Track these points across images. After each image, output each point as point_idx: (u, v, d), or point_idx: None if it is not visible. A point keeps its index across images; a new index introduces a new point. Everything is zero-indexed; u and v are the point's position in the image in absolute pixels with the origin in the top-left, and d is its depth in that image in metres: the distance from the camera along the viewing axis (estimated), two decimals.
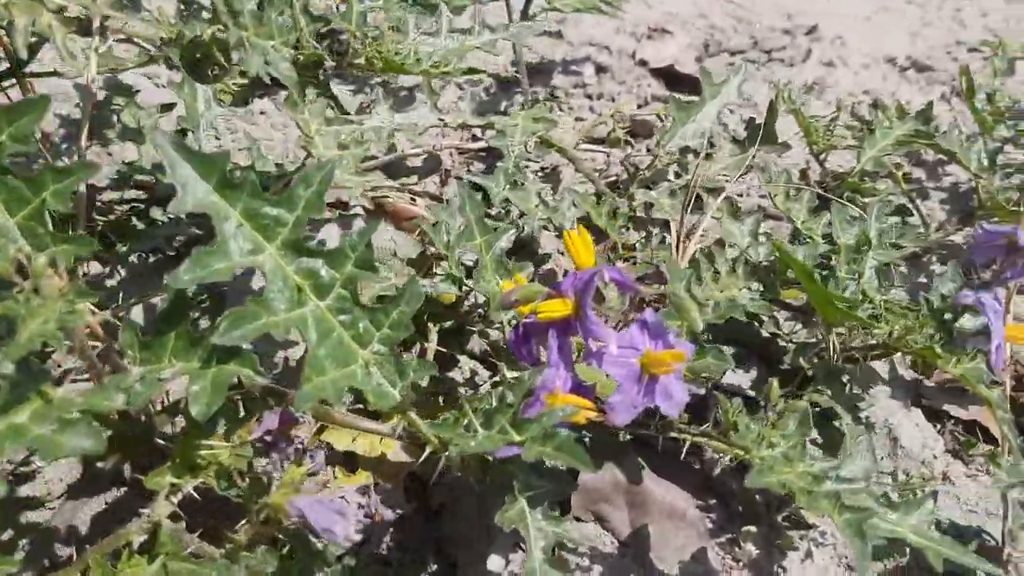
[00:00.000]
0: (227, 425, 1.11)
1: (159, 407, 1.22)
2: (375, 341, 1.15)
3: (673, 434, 1.28)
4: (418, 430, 1.17)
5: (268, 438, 1.07)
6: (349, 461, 1.57)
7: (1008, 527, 1.61)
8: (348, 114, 1.62)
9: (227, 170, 1.05)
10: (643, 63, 2.66)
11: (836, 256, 1.74)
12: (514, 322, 1.22)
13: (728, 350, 1.33)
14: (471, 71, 1.73)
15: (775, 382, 1.22)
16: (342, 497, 1.05)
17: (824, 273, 1.58)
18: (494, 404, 1.10)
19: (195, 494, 1.14)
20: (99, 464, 1.15)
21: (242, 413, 1.18)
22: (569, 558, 1.50)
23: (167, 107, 1.81)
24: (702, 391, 1.27)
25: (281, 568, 1.00)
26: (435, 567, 1.47)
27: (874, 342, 1.40)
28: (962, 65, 2.25)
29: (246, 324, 1.04)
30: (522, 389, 1.07)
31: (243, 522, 0.99)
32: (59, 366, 1.42)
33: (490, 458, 1.44)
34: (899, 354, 1.49)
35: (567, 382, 1.17)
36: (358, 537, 0.95)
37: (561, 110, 2.45)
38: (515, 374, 1.32)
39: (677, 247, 1.59)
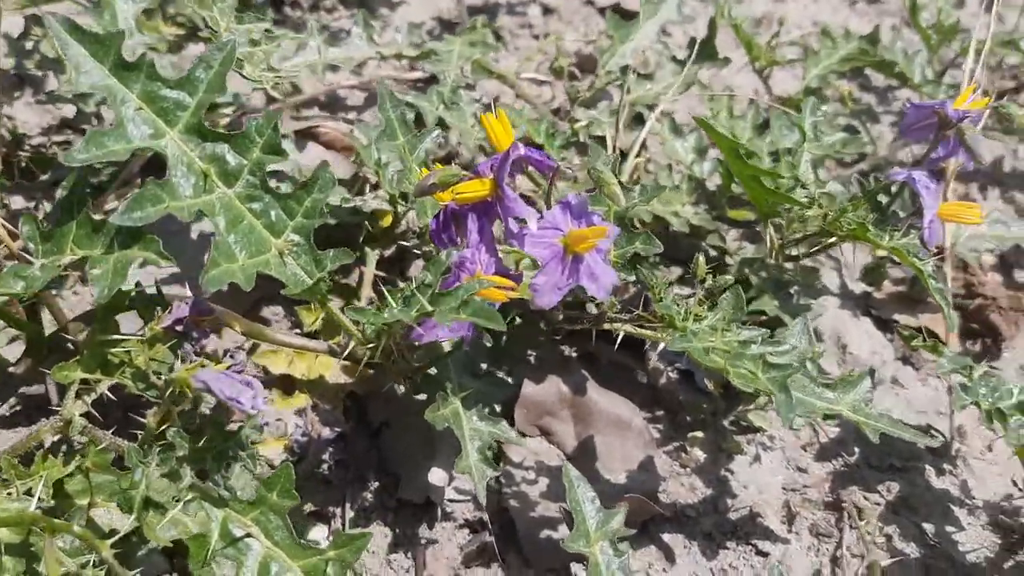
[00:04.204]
0: (140, 315, 1.07)
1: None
2: (289, 230, 1.12)
3: (606, 325, 1.25)
4: (336, 318, 1.15)
5: (179, 328, 1.04)
6: (287, 384, 1.54)
7: (956, 423, 1.60)
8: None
9: (121, 51, 1.02)
10: (590, 2, 2.63)
11: (778, 165, 1.72)
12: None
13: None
14: None
15: (701, 257, 1.19)
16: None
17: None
18: (413, 288, 1.07)
19: (110, 395, 1.11)
20: (11, 368, 1.11)
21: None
22: (515, 472, 1.48)
23: None
24: (632, 278, 1.24)
25: (194, 452, 0.97)
26: (377, 483, 1.44)
27: (811, 232, 1.37)
28: None
29: (148, 206, 1.00)
30: (439, 267, 1.04)
31: (153, 409, 0.96)
32: None
33: (430, 371, 1.42)
34: (840, 245, 1.46)
35: (490, 267, 1.14)
36: (265, 407, 0.92)
37: (506, 49, 2.41)
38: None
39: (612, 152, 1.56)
